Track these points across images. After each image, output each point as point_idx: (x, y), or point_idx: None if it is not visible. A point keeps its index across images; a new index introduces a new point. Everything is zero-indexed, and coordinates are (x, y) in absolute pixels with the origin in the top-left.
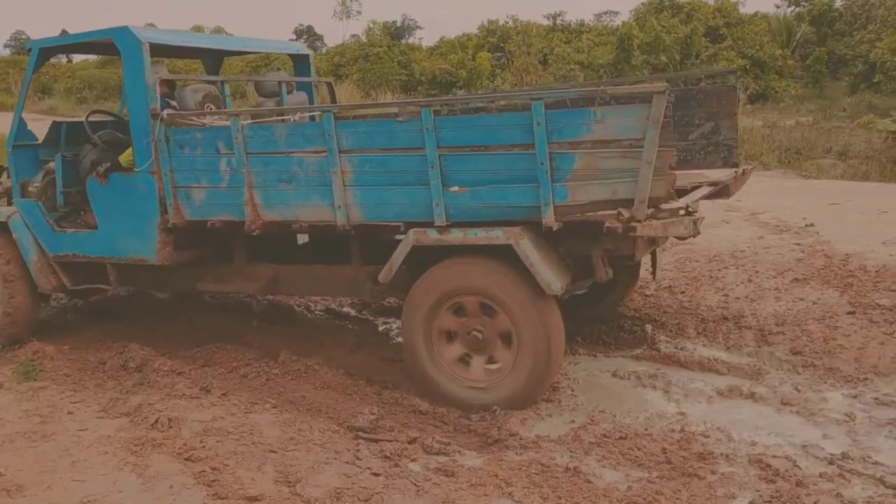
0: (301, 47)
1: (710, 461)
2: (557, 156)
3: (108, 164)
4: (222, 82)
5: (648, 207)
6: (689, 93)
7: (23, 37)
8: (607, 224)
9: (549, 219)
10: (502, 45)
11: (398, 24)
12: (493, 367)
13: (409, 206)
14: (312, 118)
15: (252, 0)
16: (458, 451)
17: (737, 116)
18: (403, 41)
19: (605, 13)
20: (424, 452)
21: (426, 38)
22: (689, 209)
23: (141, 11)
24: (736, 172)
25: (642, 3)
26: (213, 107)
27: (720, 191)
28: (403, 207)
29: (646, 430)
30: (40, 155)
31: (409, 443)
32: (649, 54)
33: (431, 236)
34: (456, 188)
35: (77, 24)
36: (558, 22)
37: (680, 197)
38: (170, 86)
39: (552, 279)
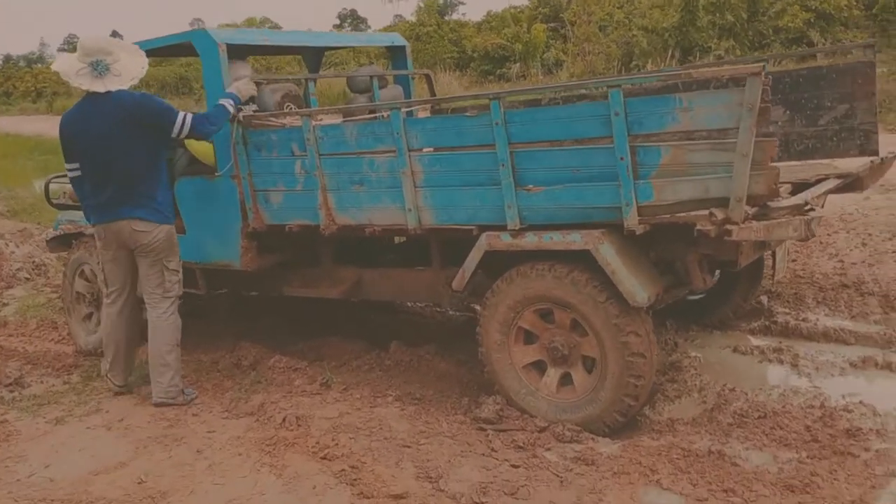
0: (397, 37)
1: (860, 438)
2: (641, 149)
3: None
4: (307, 80)
5: (750, 206)
6: (819, 72)
7: (75, 39)
8: (698, 227)
9: (631, 221)
10: (561, 15)
11: (440, 2)
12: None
13: (481, 208)
14: (410, 114)
15: None
16: (591, 439)
17: (875, 97)
18: (449, 18)
19: None
20: (557, 441)
21: (469, 13)
22: (807, 206)
23: (189, 8)
24: (872, 162)
25: None
26: (293, 106)
27: (851, 184)
28: (475, 209)
29: (783, 407)
30: None
31: (539, 432)
32: (713, 14)
33: (505, 240)
34: (530, 188)
35: (126, 25)
36: None
37: (803, 191)
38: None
39: (637, 289)
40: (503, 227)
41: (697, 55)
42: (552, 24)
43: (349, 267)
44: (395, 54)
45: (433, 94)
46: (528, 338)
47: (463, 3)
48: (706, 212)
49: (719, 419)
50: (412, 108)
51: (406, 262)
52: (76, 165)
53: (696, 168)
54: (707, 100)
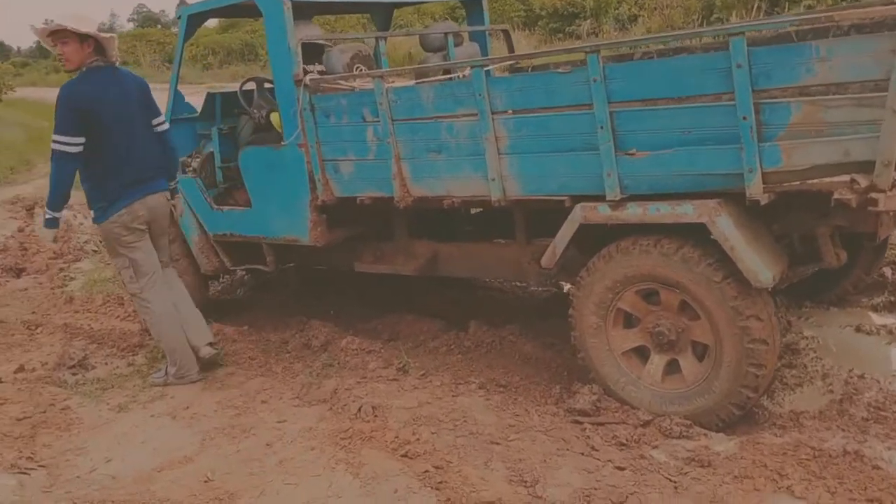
0: None
1: None
2: (767, 107)
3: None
4: (377, 39)
5: None
6: None
7: (144, 10)
8: (836, 195)
9: (755, 189)
10: None
11: None
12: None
13: (575, 177)
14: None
15: None
16: (704, 434)
17: None
18: None
19: None
20: (664, 437)
21: None
22: None
23: None
24: None
25: None
26: (363, 67)
27: None
28: (568, 178)
29: None
30: (198, 129)
31: (643, 426)
32: None
33: (603, 213)
34: (633, 152)
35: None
36: None
37: None
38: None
39: (759, 267)
40: (601, 198)
41: (787, 6)
42: None
43: (424, 241)
44: (470, 9)
45: (512, 51)
46: (629, 321)
47: None
48: (846, 178)
49: (852, 412)
50: (490, 68)
51: (485, 235)
52: (81, 140)
53: (834, 127)
54: (851, 47)
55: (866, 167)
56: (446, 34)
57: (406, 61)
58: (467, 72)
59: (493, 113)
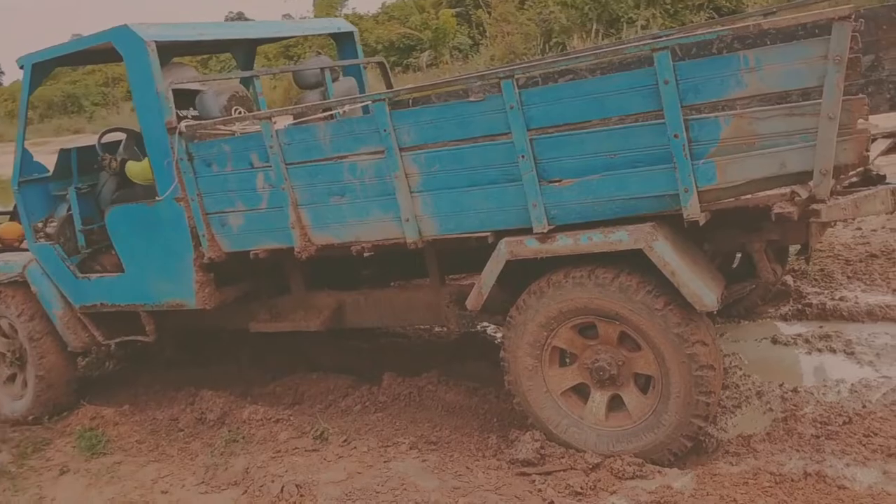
0: (343, 23)
1: None
2: (695, 124)
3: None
4: (252, 78)
5: (835, 179)
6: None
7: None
8: (776, 209)
9: (692, 209)
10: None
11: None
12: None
13: (496, 211)
14: (365, 111)
15: None
16: (658, 471)
17: None
18: (340, 14)
19: None
20: (618, 479)
21: (359, 7)
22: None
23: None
24: None
25: None
26: (242, 110)
27: None
28: (490, 213)
29: (864, 407)
30: (52, 190)
31: (594, 470)
32: None
33: (531, 246)
34: (558, 181)
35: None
36: None
37: None
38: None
39: (703, 291)
40: (527, 231)
41: (624, 27)
42: (457, 9)
43: (325, 292)
44: (341, 42)
45: (389, 83)
46: (565, 358)
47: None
48: (782, 191)
49: (800, 430)
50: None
51: (387, 278)
52: None
53: (767, 139)
54: (782, 55)
55: (802, 178)
56: (322, 69)
57: (280, 100)
58: (346, 108)
59: (401, 149)
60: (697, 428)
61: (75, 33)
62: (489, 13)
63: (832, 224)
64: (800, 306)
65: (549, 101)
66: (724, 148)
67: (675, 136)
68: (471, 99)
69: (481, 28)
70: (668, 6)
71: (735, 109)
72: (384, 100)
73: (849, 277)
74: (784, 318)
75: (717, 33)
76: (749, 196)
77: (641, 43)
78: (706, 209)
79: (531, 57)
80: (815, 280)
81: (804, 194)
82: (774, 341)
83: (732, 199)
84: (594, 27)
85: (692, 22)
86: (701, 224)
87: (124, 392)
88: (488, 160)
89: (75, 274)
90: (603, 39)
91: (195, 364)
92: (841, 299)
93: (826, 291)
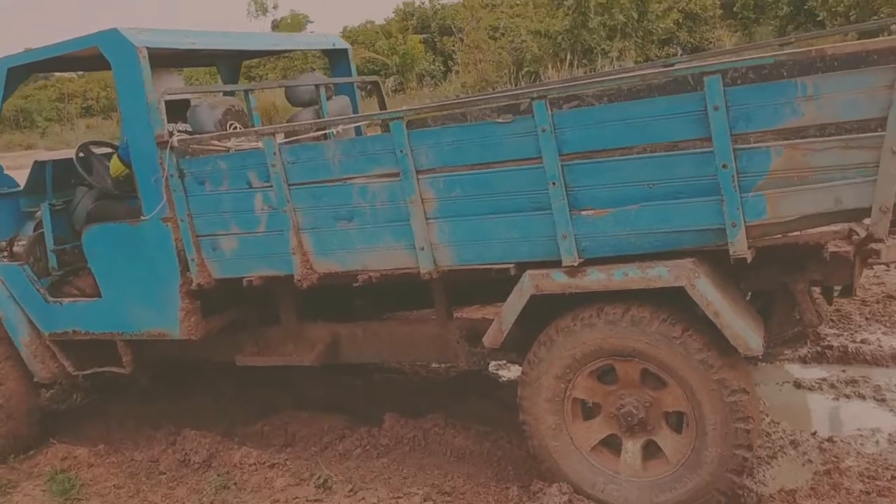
0: (337, 40)
1: None
2: (743, 153)
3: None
4: (246, 92)
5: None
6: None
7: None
8: (832, 248)
9: (739, 245)
10: (429, 25)
11: (288, 21)
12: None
13: (521, 241)
14: (358, 130)
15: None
16: None
17: None
18: None
19: None
20: None
21: (318, 30)
22: None
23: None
24: None
25: None
26: (238, 125)
27: None
28: (513, 243)
29: None
30: (23, 206)
31: None
32: (603, 15)
33: (558, 280)
34: (591, 211)
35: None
36: None
37: None
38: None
39: (747, 333)
40: (553, 264)
41: (599, 58)
42: (424, 35)
43: (319, 323)
44: (335, 59)
45: (383, 103)
46: (588, 409)
47: (311, 22)
48: (835, 228)
49: (847, 486)
50: (361, 124)
51: (383, 309)
52: None
53: (821, 173)
54: (842, 83)
55: (858, 215)
56: (317, 86)
57: (271, 117)
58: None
59: (418, 171)
60: (742, 460)
61: (27, 48)
62: (461, 39)
63: (871, 266)
64: (819, 348)
65: (585, 125)
66: (774, 180)
67: (724, 165)
68: (499, 120)
69: (446, 55)
70: (639, 39)
71: (788, 139)
72: (401, 118)
73: (867, 319)
74: (803, 361)
75: (774, 58)
76: (798, 233)
77: (691, 66)
78: (752, 245)
79: (503, 85)
80: (833, 321)
81: (862, 233)
82: (798, 385)
83: (780, 236)
84: (567, 57)
85: (657, 56)
86: (749, 261)
87: (95, 428)
88: (514, 186)
89: (45, 298)
90: (578, 70)
91: (171, 397)
92: (863, 342)
93: (846, 333)
